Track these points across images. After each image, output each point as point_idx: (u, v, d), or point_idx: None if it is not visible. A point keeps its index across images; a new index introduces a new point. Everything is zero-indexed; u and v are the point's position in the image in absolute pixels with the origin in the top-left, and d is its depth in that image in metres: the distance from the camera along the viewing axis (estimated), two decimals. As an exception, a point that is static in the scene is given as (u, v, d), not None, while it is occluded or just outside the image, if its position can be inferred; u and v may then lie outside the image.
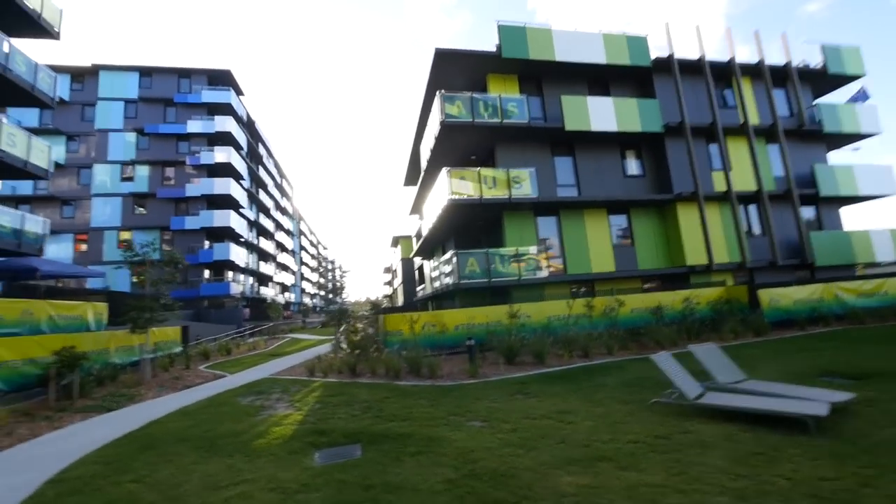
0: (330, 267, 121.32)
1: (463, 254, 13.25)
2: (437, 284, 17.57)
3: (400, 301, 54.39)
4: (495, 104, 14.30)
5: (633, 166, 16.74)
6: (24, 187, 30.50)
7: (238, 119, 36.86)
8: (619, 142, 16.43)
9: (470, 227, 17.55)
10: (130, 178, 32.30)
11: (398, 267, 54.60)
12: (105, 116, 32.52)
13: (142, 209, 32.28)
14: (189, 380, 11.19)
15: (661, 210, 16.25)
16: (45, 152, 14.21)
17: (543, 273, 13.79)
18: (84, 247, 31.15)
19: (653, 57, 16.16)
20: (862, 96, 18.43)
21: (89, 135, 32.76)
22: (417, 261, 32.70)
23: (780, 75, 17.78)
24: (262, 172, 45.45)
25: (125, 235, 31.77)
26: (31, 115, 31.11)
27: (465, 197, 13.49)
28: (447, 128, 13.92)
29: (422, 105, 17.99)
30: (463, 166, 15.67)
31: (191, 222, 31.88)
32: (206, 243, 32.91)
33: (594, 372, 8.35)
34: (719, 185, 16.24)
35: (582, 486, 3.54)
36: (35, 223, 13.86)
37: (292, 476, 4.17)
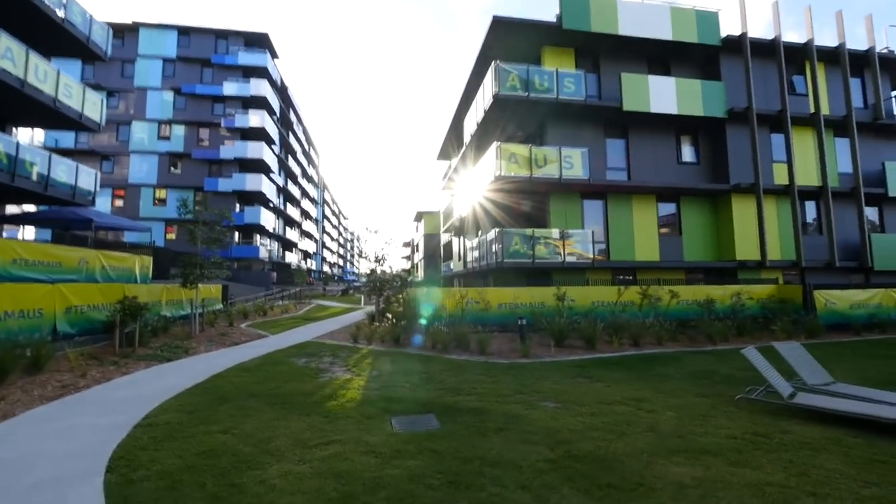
0: (349, 237, 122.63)
1: (509, 232, 12.98)
2: (472, 262, 17.42)
3: (420, 276, 54.79)
4: (551, 78, 13.66)
5: (687, 153, 15.94)
6: (66, 140, 31.21)
7: (272, 83, 36.61)
8: (675, 126, 15.60)
9: (512, 205, 17.16)
10: (167, 137, 32.69)
11: (420, 242, 54.69)
12: (144, 74, 32.70)
13: (177, 169, 32.77)
14: (235, 337, 11.44)
15: (714, 201, 15.53)
16: (97, 105, 14.33)
17: (584, 258, 13.43)
18: (120, 202, 32.00)
19: (722, 35, 15.08)
20: (946, 90, 16.95)
21: (128, 92, 33.09)
22: (444, 237, 32.54)
23: (858, 62, 16.42)
24: (291, 139, 45.43)
25: (160, 193, 32.51)
26: (72, 68, 31.48)
27: (513, 174, 13.09)
28: (501, 101, 13.40)
29: (469, 76, 17.39)
30: (509, 142, 15.24)
31: (223, 184, 32.27)
32: (237, 206, 33.38)
33: (652, 361, 8.13)
34: (779, 177, 15.35)
35: (697, 478, 3.38)
36: (88, 175, 14.12)
37: (380, 441, 4.14)
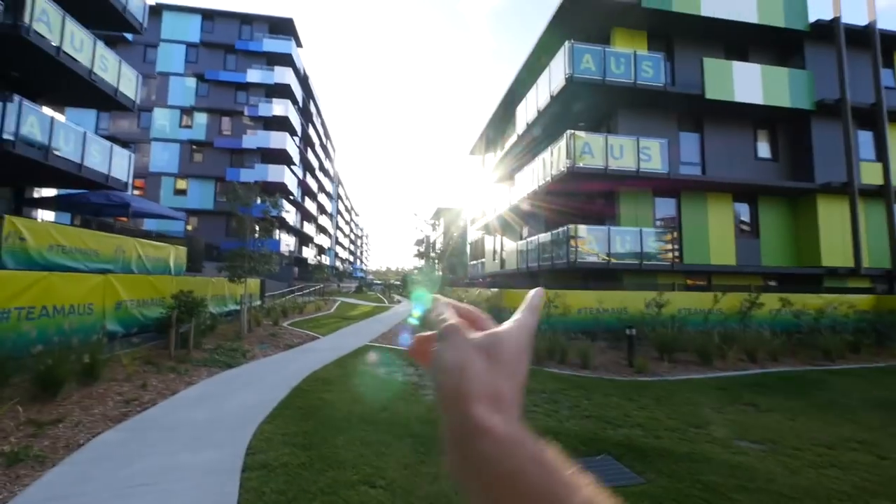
0: (359, 234, 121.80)
1: (585, 229, 11.78)
2: (519, 262, 16.23)
3: (438, 274, 53.71)
4: (628, 62, 12.41)
5: (764, 148, 14.64)
6: (85, 125, 30.32)
7: (296, 72, 35.56)
8: (752, 118, 14.30)
9: (571, 202, 15.95)
10: (189, 125, 31.72)
11: (438, 239, 53.55)
12: (167, 59, 31.73)
13: (199, 157, 31.81)
14: (286, 338, 10.34)
15: (795, 201, 14.22)
16: (133, 81, 13.27)
17: (664, 261, 12.21)
18: (139, 192, 31.08)
19: (811, 20, 13.77)
20: None
21: (150, 77, 32.05)
22: (472, 234, 31.35)
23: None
24: (310, 130, 44.41)
25: (181, 184, 31.57)
26: (95, 52, 30.64)
27: (587, 165, 11.88)
28: (574, 84, 12.17)
29: (525, 62, 16.19)
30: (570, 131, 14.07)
31: (246, 175, 31.19)
32: (258, 198, 32.35)
33: (795, 383, 6.91)
34: (867, 177, 14.01)
35: None
36: (122, 157, 13.10)
37: None
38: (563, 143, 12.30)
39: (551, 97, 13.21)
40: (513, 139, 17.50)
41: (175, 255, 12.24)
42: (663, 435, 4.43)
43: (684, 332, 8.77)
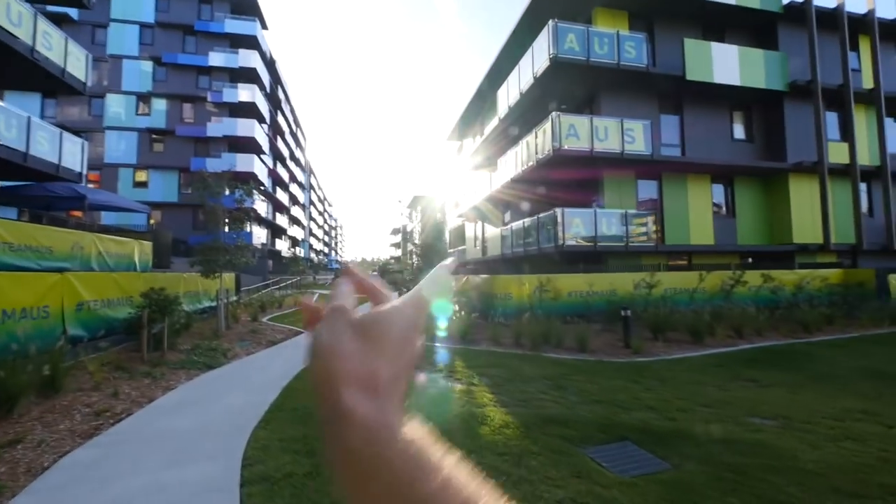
0: (333, 224, 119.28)
1: (571, 212, 11.69)
2: (504, 248, 16.09)
3: (413, 265, 53.29)
4: (611, 42, 12.27)
5: (739, 130, 14.95)
6: (31, 111, 27.87)
7: (262, 55, 33.78)
8: (728, 100, 14.53)
9: (556, 186, 15.86)
10: (147, 113, 29.66)
11: (415, 228, 53.01)
12: (119, 41, 29.40)
13: (160, 146, 29.88)
14: (268, 334, 9.82)
15: (767, 181, 14.63)
16: (81, 61, 12.06)
17: (648, 242, 12.33)
18: (94, 185, 28.98)
19: (784, 1, 14.00)
20: None
21: (101, 60, 29.64)
22: (452, 222, 31.06)
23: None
24: (279, 117, 42.57)
25: (141, 175, 29.66)
26: (35, 32, 28.02)
27: (573, 147, 11.75)
28: (558, 65, 11.93)
29: (504, 44, 15.81)
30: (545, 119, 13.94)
31: (212, 164, 29.25)
32: (227, 189, 30.85)
33: (784, 357, 7.06)
34: (834, 157, 14.54)
35: None
36: (73, 145, 11.97)
37: (622, 496, 2.82)
38: (547, 125, 12.10)
39: (534, 78, 12.95)
40: (493, 124, 17.19)
41: (140, 250, 11.39)
42: (677, 416, 4.34)
43: (675, 311, 8.83)
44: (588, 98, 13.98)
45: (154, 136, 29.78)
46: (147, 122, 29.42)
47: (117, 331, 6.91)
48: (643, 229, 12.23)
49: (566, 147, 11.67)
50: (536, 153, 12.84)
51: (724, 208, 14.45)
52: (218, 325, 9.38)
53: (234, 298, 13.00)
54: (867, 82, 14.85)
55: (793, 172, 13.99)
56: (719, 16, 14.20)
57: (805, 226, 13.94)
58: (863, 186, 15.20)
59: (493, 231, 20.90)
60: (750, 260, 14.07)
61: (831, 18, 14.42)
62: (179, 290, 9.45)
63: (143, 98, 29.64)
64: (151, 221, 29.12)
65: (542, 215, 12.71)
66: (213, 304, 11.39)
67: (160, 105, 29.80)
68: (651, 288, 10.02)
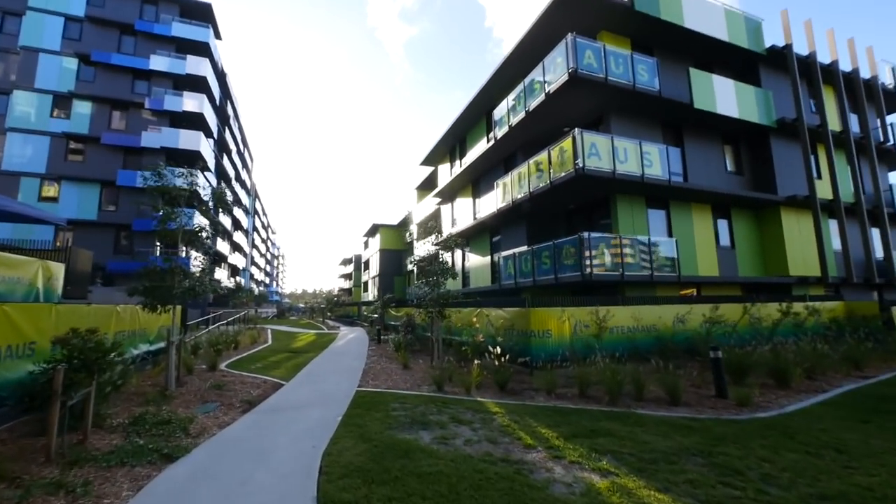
0: (276, 253, 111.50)
1: (597, 237, 10.54)
2: (515, 277, 14.58)
3: (371, 297, 50.02)
4: (626, 62, 11.81)
5: (731, 163, 15.14)
6: None
7: (214, 65, 30.85)
8: (721, 133, 14.75)
9: (549, 212, 14.87)
10: (65, 115, 25.22)
11: (373, 258, 50.14)
12: (35, 32, 25.14)
13: (78, 155, 25.34)
14: (237, 389, 7.23)
15: (759, 214, 14.78)
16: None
17: (671, 272, 11.49)
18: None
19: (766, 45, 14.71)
20: (916, 123, 18.58)
21: (8, 52, 25.23)
22: (421, 249, 29.21)
23: (853, 86, 17.20)
24: (227, 135, 38.97)
25: (49, 191, 24.77)
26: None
27: (596, 168, 10.79)
28: (576, 82, 11.12)
29: (503, 61, 15.03)
30: (549, 140, 13.16)
31: (143, 181, 25.55)
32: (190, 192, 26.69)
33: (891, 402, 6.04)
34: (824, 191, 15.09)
35: None
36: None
37: None
38: (565, 143, 11.11)
39: (546, 95, 12.05)
40: (480, 147, 16.09)
41: (45, 274, 8.37)
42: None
43: (742, 351, 7.70)
44: (596, 121, 13.37)
45: (72, 142, 25.26)
46: (65, 125, 24.96)
47: (4, 403, 4.21)
48: (666, 259, 11.39)
49: (591, 166, 10.67)
50: (550, 173, 11.74)
51: (725, 239, 14.24)
52: (167, 379, 6.68)
53: (178, 337, 9.99)
54: (833, 125, 15.88)
55: (784, 206, 14.22)
56: (710, 50, 14.53)
57: (797, 258, 14.07)
58: (834, 222, 15.96)
59: (478, 260, 19.43)
60: (753, 294, 13.79)
61: (804, 66, 15.42)
62: (110, 329, 6.68)
63: (63, 99, 25.26)
64: (58, 242, 24.13)
65: (560, 241, 11.45)
66: (153, 347, 8.52)
67: (84, 108, 25.55)
68: (714, 324, 8.90)
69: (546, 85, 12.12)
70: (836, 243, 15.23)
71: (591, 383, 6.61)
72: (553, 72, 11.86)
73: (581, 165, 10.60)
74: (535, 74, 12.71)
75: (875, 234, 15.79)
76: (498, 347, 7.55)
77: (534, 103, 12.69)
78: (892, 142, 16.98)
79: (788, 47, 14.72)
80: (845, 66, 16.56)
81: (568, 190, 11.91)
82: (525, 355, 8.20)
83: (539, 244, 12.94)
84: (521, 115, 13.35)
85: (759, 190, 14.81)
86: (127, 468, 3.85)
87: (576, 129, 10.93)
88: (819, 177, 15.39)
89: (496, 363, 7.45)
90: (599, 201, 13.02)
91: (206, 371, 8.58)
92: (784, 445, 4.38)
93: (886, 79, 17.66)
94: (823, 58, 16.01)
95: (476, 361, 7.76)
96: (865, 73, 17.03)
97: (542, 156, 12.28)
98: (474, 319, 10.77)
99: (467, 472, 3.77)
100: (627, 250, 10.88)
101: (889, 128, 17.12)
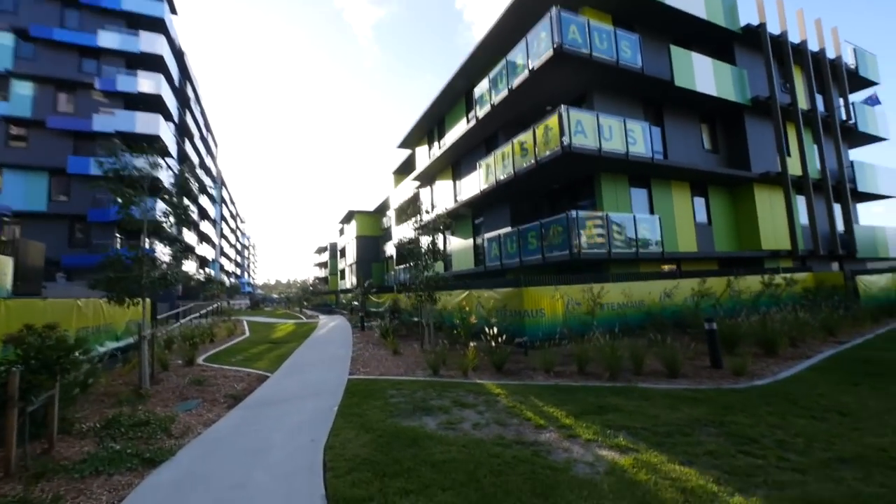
0: (246, 243, 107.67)
1: (585, 216, 10.47)
2: (501, 258, 14.43)
3: (348, 284, 49.17)
4: (610, 38, 11.63)
5: (706, 140, 15.39)
6: None
7: (170, 42, 28.73)
8: (698, 111, 14.93)
9: (532, 192, 14.75)
10: (3, 97, 22.93)
11: (349, 245, 49.07)
12: (-40, 2, 22.53)
13: (20, 141, 23.20)
14: (219, 383, 6.77)
15: (733, 190, 15.18)
16: None
17: (655, 248, 11.63)
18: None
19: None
20: (873, 101, 19.50)
21: (-70, 24, 22.57)
22: (399, 235, 28.67)
23: (820, 66, 17.77)
24: (188, 118, 36.70)
25: (-11, 177, 22.60)
26: None
27: (582, 145, 10.66)
28: (561, 57, 10.86)
29: (482, 39, 14.58)
30: (531, 119, 12.95)
31: (99, 166, 23.73)
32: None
33: (865, 364, 6.29)
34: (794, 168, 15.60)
35: None
36: None
37: None
38: (551, 120, 10.91)
39: (530, 72, 11.76)
40: (460, 128, 15.72)
41: (-7, 269, 7.57)
42: None
43: (732, 321, 7.85)
44: (578, 99, 13.22)
45: (13, 126, 23.08)
46: (2, 108, 22.71)
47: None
48: (650, 236, 11.50)
49: (577, 144, 10.52)
50: (535, 152, 11.54)
51: (701, 216, 14.56)
52: (140, 376, 6.15)
53: (150, 331, 9.32)
54: (801, 103, 16.37)
55: (757, 183, 14.64)
56: (688, 27, 14.51)
57: (768, 233, 14.57)
58: (801, 198, 16.61)
59: (461, 243, 19.22)
60: (728, 268, 14.23)
61: (776, 45, 15.73)
62: (72, 326, 6.06)
63: (-1, 78, 22.92)
64: (2, 237, 22.20)
65: (547, 220, 11.34)
66: (121, 344, 7.90)
67: (24, 89, 23.32)
68: (703, 297, 9.05)
69: (530, 61, 11.81)
70: (803, 218, 15.90)
71: (588, 360, 6.55)
72: (537, 47, 11.55)
73: (568, 143, 10.45)
74: (518, 51, 12.37)
75: (837, 209, 16.56)
76: (493, 328, 7.38)
77: (517, 81, 12.38)
78: (853, 120, 17.71)
79: (763, 26, 14.95)
80: (813, 46, 16.99)
81: (553, 169, 11.77)
82: (519, 335, 8.09)
83: (523, 225, 12.83)
84: (504, 93, 13.03)
85: (732, 167, 15.14)
86: (103, 477, 3.44)
87: (562, 106, 10.72)
88: (789, 154, 15.91)
89: (492, 344, 7.30)
90: (583, 180, 12.98)
91: (183, 366, 8.02)
92: (790, 411, 4.42)
93: (849, 60, 18.33)
94: (794, 37, 16.36)
95: (472, 343, 7.58)
96: (831, 54, 17.58)
97: (527, 134, 12.05)
98: (463, 301, 10.57)
99: (482, 457, 3.57)
100: (614, 227, 10.90)
101: (851, 107, 17.84)
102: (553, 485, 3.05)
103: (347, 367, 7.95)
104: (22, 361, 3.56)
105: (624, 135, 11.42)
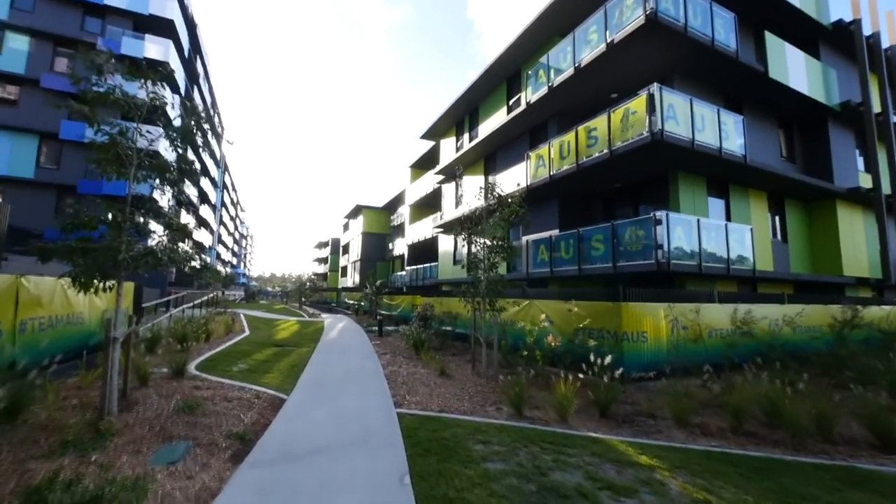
0: (245, 233, 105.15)
1: (675, 219, 8.62)
2: (550, 265, 12.55)
3: (350, 283, 47.08)
4: (705, 13, 9.84)
5: (784, 147, 13.63)
6: None
7: (183, 9, 26.84)
8: (777, 113, 13.16)
9: (585, 193, 12.91)
10: (-6, 50, 20.91)
11: (353, 241, 46.99)
12: (-45, -58, 20.55)
13: (11, 100, 21.16)
14: (217, 410, 4.80)
15: (810, 206, 13.40)
16: None
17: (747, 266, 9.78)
18: None
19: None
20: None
21: (-80, -36, 20.55)
22: (415, 234, 26.75)
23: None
24: (195, 94, 34.73)
25: (-27, 136, 20.54)
26: None
27: (676, 133, 8.83)
28: (653, 27, 9.03)
29: (538, 15, 12.77)
30: (588, 109, 11.18)
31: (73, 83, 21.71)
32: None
33: None
34: (866, 185, 13.87)
35: None
36: None
37: None
38: (635, 102, 9.08)
39: (607, 45, 9.93)
40: (498, 118, 13.87)
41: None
42: None
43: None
44: (651, 81, 11.39)
45: (4, 83, 21.04)
46: (-8, 62, 20.67)
47: None
48: (740, 250, 9.65)
49: (669, 131, 8.68)
50: (610, 139, 9.70)
51: (777, 232, 12.77)
52: (105, 398, 4.18)
53: (126, 330, 7.35)
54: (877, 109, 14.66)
55: (840, 199, 12.87)
56: (773, 12, 12.67)
57: (849, 256, 12.79)
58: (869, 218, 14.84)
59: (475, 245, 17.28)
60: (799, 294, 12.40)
61: (868, 47, 14.00)
62: (6, 315, 4.10)
63: (-9, 29, 20.90)
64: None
65: (625, 221, 9.45)
66: (87, 343, 5.92)
67: (19, 43, 21.31)
68: (849, 326, 7.18)
69: (608, 33, 9.98)
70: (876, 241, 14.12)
71: (741, 410, 4.65)
72: (619, 17, 9.73)
73: (659, 129, 8.59)
74: (593, 22, 10.55)
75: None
76: (594, 355, 5.46)
77: (588, 56, 10.55)
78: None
79: (857, 23, 13.20)
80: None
81: (629, 161, 9.90)
82: (615, 365, 6.18)
83: (572, 229, 10.96)
84: (569, 71, 11.19)
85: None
86: None
87: (654, 84, 8.88)
88: (868, 170, 14.18)
89: (588, 375, 5.39)
90: (654, 180, 11.14)
91: (170, 378, 6.01)
92: None
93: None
94: (885, 41, 14.65)
95: (562, 373, 5.65)
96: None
97: (598, 120, 10.21)
98: (520, 314, 8.64)
99: None
100: (705, 235, 9.05)
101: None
102: None
103: (386, 389, 6.03)
104: None
105: (717, 127, 9.62)
